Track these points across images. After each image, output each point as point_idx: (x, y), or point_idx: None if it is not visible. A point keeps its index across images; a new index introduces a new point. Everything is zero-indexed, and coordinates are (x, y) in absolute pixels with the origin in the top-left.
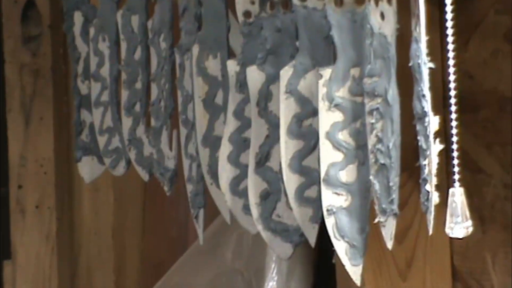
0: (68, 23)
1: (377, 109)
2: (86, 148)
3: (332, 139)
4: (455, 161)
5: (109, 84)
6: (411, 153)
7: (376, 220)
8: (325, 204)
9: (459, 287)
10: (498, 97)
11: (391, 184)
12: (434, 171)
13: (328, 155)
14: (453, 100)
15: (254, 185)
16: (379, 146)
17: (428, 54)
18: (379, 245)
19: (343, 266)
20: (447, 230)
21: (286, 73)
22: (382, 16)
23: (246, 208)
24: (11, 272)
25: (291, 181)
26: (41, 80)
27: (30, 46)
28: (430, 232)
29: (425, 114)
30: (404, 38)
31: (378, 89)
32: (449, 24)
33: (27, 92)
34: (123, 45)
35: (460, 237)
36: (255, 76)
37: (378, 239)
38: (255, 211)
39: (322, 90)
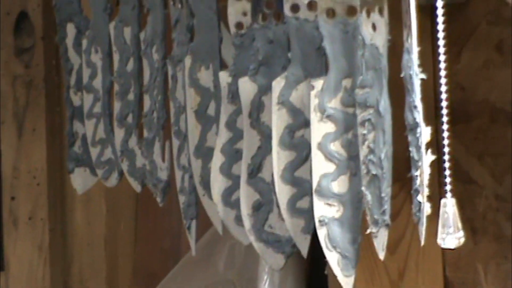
0: (61, 34)
1: (369, 120)
2: (79, 160)
3: (324, 150)
4: (447, 172)
5: (101, 96)
6: (403, 164)
7: (368, 231)
8: (317, 214)
9: None
10: (490, 108)
11: (383, 195)
12: (426, 181)
13: (320, 166)
14: (444, 111)
15: (246, 196)
16: (371, 157)
17: (420, 65)
18: (371, 255)
19: (335, 276)
20: (439, 241)
21: (278, 84)
22: (374, 27)
23: (238, 219)
24: (4, 283)
25: (283, 192)
26: (34, 92)
27: (23, 58)
28: (422, 242)
29: (416, 125)
30: (396, 49)
31: (370, 100)
32: (441, 35)
33: (20, 103)
34: (116, 57)
35: (452, 247)
36: (247, 87)
37: (370, 249)
38: (247, 222)
39: (314, 101)
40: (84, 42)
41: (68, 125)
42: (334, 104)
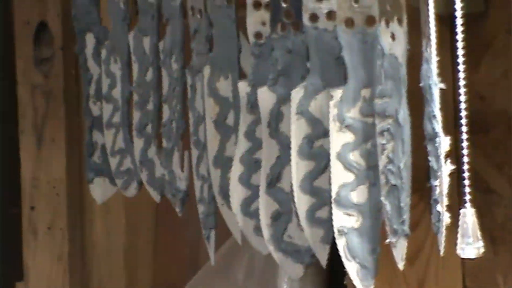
0: (80, 44)
1: (388, 129)
2: (98, 169)
3: (343, 160)
4: (466, 182)
5: (120, 106)
6: (422, 174)
7: (387, 241)
8: (336, 224)
9: None
10: (509, 118)
11: (402, 204)
12: (445, 191)
13: (339, 176)
14: (464, 121)
15: (265, 206)
16: (390, 166)
17: (439, 75)
18: (391, 266)
19: (354, 287)
20: (459, 251)
21: (297, 94)
22: (393, 37)
23: (258, 229)
24: None
25: (302, 202)
26: (53, 102)
27: (42, 68)
28: (442, 253)
29: (436, 134)
30: (415, 59)
31: (389, 109)
32: (460, 44)
33: (39, 114)
34: (135, 67)
35: (472, 258)
36: (266, 97)
37: (390, 260)
38: (266, 232)
39: (333, 111)
40: (103, 52)
41: (87, 135)
42: (353, 114)
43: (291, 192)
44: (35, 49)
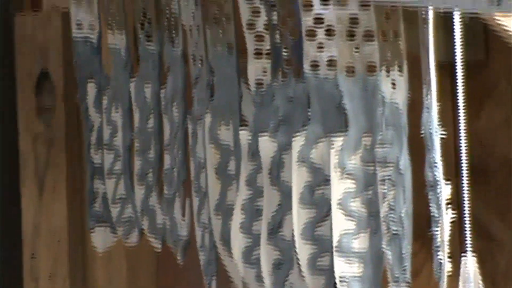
0: (82, 93)
1: (389, 177)
2: (99, 218)
3: (345, 207)
4: (467, 229)
5: (122, 154)
6: (423, 221)
7: None
8: (337, 272)
9: None
10: (510, 165)
11: (403, 252)
12: (446, 239)
13: (341, 224)
14: (465, 168)
15: (266, 254)
16: (391, 214)
17: (440, 122)
18: None
19: None
20: None
21: (298, 142)
22: (394, 84)
23: (259, 277)
24: None
25: (303, 250)
26: (54, 150)
27: (44, 117)
28: None
29: (437, 182)
30: (416, 106)
31: (390, 157)
32: (461, 92)
33: (40, 162)
34: (136, 114)
35: None
36: (267, 145)
37: None
38: (268, 280)
39: (334, 159)
40: (105, 100)
41: (89, 183)
42: (354, 161)
43: (293, 240)
44: (37, 98)
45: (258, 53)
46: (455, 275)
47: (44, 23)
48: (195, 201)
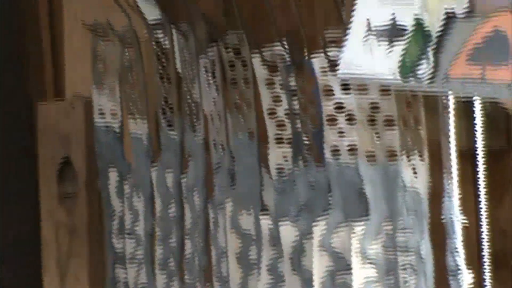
0: (103, 180)
1: (411, 264)
2: None
3: None
4: None
5: (143, 241)
6: None
7: None
8: None
9: None
10: None
11: None
12: None
13: None
14: (486, 256)
15: None
16: None
17: (462, 210)
18: None
19: None
20: None
21: (319, 228)
22: (415, 171)
23: None
24: None
25: None
26: (76, 239)
27: (66, 204)
28: None
29: (458, 269)
30: (437, 193)
31: (411, 243)
32: (482, 180)
33: (62, 251)
34: (158, 202)
35: None
36: (288, 231)
37: None
38: None
39: (355, 245)
40: (126, 187)
41: (110, 270)
42: (375, 247)
43: None
44: (59, 185)
45: (279, 140)
46: None
47: (66, 111)
48: None
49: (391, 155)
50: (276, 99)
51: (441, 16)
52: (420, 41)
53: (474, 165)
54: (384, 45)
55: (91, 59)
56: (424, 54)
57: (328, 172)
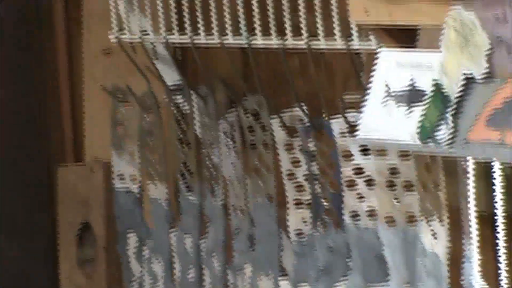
0: (123, 244)
1: None
2: None
3: None
4: None
5: None
6: None
7: None
8: None
9: None
10: None
11: None
12: None
13: None
14: None
15: None
16: None
17: (482, 273)
18: None
19: None
20: None
21: None
22: (434, 235)
23: None
24: None
25: None
26: None
27: (85, 269)
28: None
29: None
30: (456, 256)
31: None
32: (502, 244)
33: None
34: (177, 265)
35: None
36: None
37: None
38: None
39: None
40: (145, 251)
41: None
42: None
43: None
44: (78, 250)
45: (298, 203)
46: None
47: (86, 175)
48: None
49: (411, 219)
50: (295, 163)
51: (460, 79)
52: (439, 104)
53: (494, 228)
54: (403, 108)
55: (111, 123)
56: (443, 117)
57: (347, 235)
